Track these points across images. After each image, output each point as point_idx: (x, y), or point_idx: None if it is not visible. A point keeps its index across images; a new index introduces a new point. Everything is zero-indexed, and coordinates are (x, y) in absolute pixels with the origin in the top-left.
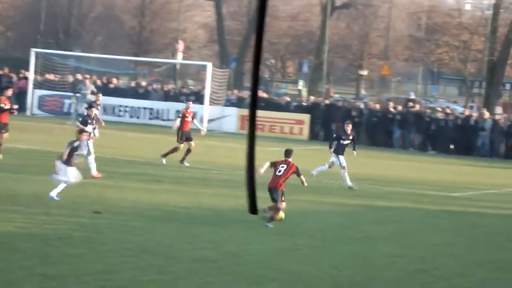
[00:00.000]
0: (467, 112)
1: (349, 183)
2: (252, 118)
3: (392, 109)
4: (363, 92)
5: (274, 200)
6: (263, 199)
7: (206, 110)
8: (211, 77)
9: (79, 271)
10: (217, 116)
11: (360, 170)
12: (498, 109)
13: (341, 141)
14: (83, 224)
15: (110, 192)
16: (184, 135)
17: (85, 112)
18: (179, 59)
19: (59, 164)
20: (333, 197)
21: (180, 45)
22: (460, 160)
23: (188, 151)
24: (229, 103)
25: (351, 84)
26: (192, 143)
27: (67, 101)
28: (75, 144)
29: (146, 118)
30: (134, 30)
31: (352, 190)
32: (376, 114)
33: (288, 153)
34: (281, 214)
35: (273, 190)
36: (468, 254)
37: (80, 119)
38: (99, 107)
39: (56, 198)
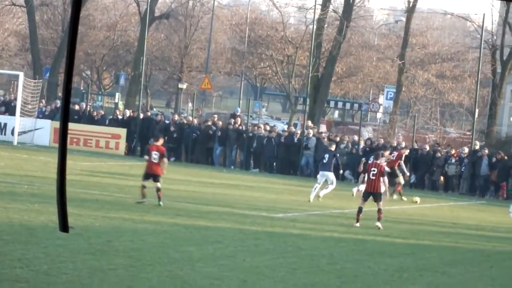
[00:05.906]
0: (291, 129)
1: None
2: (64, 131)
3: (212, 125)
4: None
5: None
6: (75, 215)
7: (17, 122)
8: (23, 87)
9: None
10: (29, 128)
11: (179, 188)
12: (322, 127)
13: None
14: None
15: None
16: None
17: None
18: None
19: None
20: (150, 216)
21: None
22: (284, 179)
23: None
24: (42, 115)
25: (170, 97)
26: None
27: None
28: None
29: None
30: None
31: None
32: (195, 130)
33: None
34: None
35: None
36: (290, 277)
37: None
38: None
39: None
